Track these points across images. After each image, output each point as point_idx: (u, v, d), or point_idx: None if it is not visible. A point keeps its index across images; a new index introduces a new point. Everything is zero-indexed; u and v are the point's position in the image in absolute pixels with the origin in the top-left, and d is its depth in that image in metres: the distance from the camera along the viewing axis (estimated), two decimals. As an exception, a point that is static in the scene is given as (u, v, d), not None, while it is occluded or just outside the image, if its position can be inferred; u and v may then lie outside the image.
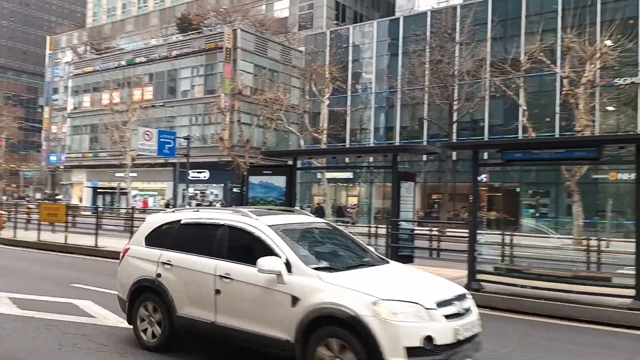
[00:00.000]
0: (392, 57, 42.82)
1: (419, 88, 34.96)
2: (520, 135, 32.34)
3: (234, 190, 42.67)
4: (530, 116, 28.98)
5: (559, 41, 28.99)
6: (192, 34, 50.51)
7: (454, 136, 33.91)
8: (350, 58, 44.49)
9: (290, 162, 12.94)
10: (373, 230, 17.56)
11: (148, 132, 33.90)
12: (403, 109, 41.22)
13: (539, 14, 34.71)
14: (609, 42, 26.14)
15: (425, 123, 38.41)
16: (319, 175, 37.46)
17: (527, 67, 28.15)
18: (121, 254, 6.85)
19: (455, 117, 31.89)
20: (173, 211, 7.07)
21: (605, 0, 32.63)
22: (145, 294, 6.30)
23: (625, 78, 31.98)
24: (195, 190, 44.93)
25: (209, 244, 5.95)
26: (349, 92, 42.96)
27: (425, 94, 34.33)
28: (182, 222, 6.43)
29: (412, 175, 12.73)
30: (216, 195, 45.21)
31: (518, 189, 37.08)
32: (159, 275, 6.15)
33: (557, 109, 31.79)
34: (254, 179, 13.08)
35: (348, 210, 40.19)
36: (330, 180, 38.88)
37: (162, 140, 34.07)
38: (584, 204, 25.80)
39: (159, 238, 6.48)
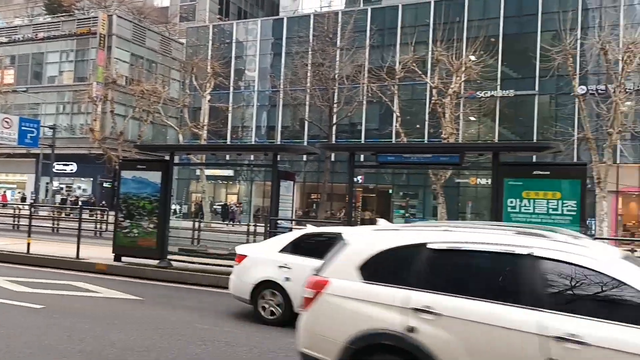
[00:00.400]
0: (276, 56, 43.04)
1: (301, 89, 35.53)
2: (393, 139, 34.08)
3: (105, 185, 40.30)
4: (402, 122, 30.72)
5: (430, 53, 31.00)
6: (62, 16, 46.88)
7: (333, 138, 34.90)
8: (233, 54, 43.98)
9: (167, 158, 12.49)
10: (252, 228, 17.55)
11: (7, 120, 31.04)
12: (285, 108, 41.59)
13: (413, 26, 36.89)
14: (473, 57, 28.52)
15: (306, 124, 39.10)
16: (198, 172, 36.57)
17: (401, 76, 29.78)
18: (312, 291, 4.61)
19: (334, 120, 32.85)
20: (397, 229, 4.93)
21: (471, 18, 35.46)
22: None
23: (486, 91, 35.03)
24: (60, 184, 41.75)
25: (505, 284, 4.14)
26: (231, 89, 42.44)
27: (307, 95, 34.99)
28: (430, 246, 4.36)
29: (291, 174, 12.91)
30: (84, 190, 42.38)
31: (390, 191, 39.10)
32: (411, 329, 4.10)
33: (427, 117, 33.95)
34: (126, 174, 12.46)
35: (233, 209, 39.71)
36: (209, 177, 38.13)
37: (23, 128, 31.37)
38: (447, 206, 27.98)
39: (388, 270, 4.44)
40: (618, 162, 31.61)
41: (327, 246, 6.54)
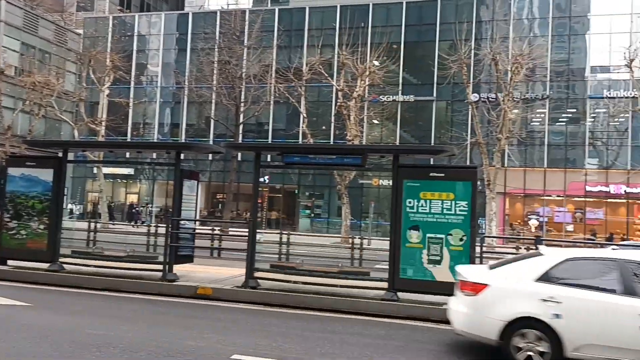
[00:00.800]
0: (180, 52, 41.93)
1: (206, 86, 34.84)
2: (300, 140, 34.40)
3: (-11, 183, 37.09)
4: (309, 123, 31.11)
5: (336, 56, 31.63)
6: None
7: (240, 137, 34.57)
8: (135, 48, 42.26)
9: (60, 154, 11.76)
10: (153, 229, 16.95)
11: None
12: (190, 106, 40.61)
13: (320, 29, 37.46)
14: (376, 63, 29.48)
15: (212, 122, 38.42)
16: (95, 170, 34.73)
17: (308, 77, 30.16)
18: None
19: (241, 119, 32.55)
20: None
21: (375, 24, 36.63)
22: None
23: (388, 96, 36.32)
24: None
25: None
26: (132, 84, 40.75)
27: (213, 93, 34.37)
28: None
29: (195, 173, 12.64)
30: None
31: (297, 191, 39.42)
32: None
33: (333, 119, 34.60)
34: (14, 171, 11.58)
35: (138, 209, 38.07)
36: (107, 175, 36.36)
37: None
38: (351, 206, 28.72)
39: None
40: (506, 165, 34.06)
41: (599, 273, 6.38)
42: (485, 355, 6.69)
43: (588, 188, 34.23)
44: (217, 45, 34.47)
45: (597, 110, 35.42)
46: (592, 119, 35.46)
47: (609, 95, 34.07)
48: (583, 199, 34.67)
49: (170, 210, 11.37)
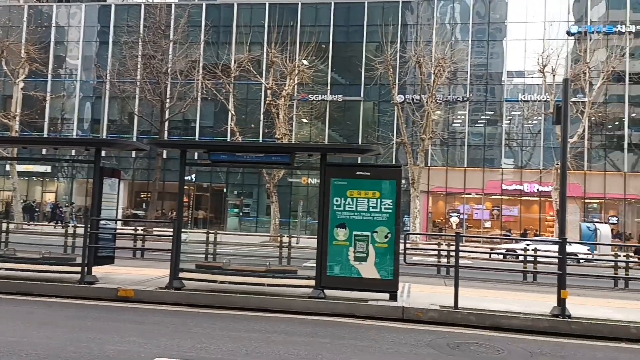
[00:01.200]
0: (102, 45, 40.27)
1: (130, 81, 33.62)
2: (228, 138, 33.97)
3: None
4: (238, 121, 30.82)
5: (265, 54, 31.50)
6: None
7: (166, 134, 33.65)
8: (52, 39, 40.16)
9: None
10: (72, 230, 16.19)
11: None
12: (112, 101, 39.10)
13: (249, 26, 37.16)
14: (305, 62, 29.64)
15: (136, 118, 37.16)
16: (8, 167, 32.65)
17: (236, 75, 29.84)
18: None
19: (167, 115, 31.69)
20: None
21: (304, 23, 36.81)
22: None
23: (317, 95, 36.62)
24: None
25: None
26: (49, 77, 38.67)
27: (137, 88, 33.23)
28: None
29: (117, 171, 12.17)
30: None
31: (225, 189, 38.91)
32: None
33: (262, 117, 34.44)
34: None
35: (61, 209, 36.09)
36: (22, 173, 34.32)
37: None
38: (280, 205, 28.71)
39: None
40: (429, 165, 35.28)
41: None
42: (410, 347, 6.90)
43: (504, 187, 36.11)
44: (141, 39, 33.36)
45: (512, 113, 37.43)
46: (508, 121, 37.44)
47: (523, 99, 36.07)
48: (500, 197, 36.53)
49: (90, 209, 10.89)
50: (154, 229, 25.68)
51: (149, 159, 36.89)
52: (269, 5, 38.34)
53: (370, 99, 37.68)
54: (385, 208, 9.38)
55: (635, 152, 36.08)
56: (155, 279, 10.77)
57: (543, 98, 33.83)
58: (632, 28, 35.90)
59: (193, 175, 35.25)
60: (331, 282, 9.39)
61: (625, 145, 35.92)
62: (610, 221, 34.73)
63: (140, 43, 33.18)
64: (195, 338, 7.00)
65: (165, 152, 32.35)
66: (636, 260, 19.34)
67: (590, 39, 34.40)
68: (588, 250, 22.93)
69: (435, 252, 18.31)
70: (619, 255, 16.75)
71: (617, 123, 36.69)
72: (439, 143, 35.79)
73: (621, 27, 35.84)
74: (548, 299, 9.47)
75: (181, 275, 9.80)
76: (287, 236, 16.71)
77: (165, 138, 33.08)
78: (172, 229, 10.15)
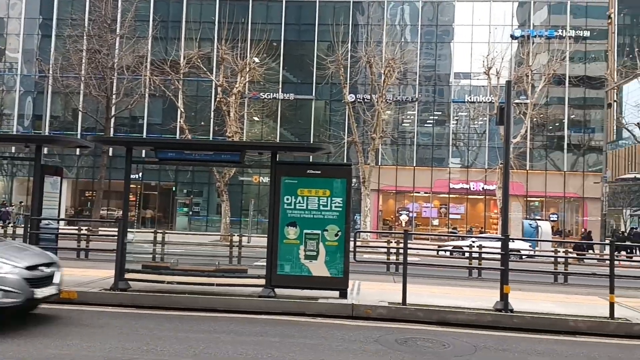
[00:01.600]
0: (44, 38, 38.74)
1: (74, 76, 32.46)
2: (178, 135, 33.37)
3: None
4: (187, 118, 30.30)
5: (215, 51, 31.09)
6: None
7: (112, 131, 32.68)
8: (-10, 31, 38.30)
9: None
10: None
11: None
12: (55, 96, 37.66)
13: (198, 21, 36.53)
14: (256, 59, 29.44)
15: (80, 115, 35.93)
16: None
17: (185, 71, 29.32)
18: None
19: (113, 112, 30.79)
20: None
21: (255, 20, 36.52)
22: None
23: (268, 93, 36.44)
24: None
25: None
26: (-14, 70, 36.89)
27: (82, 83, 32.13)
28: None
29: (59, 169, 11.73)
30: None
31: (174, 188, 38.18)
32: None
33: (212, 114, 33.98)
34: None
35: (7, 209, 34.32)
36: (-45, 171, 32.59)
37: None
38: (231, 203, 28.43)
39: None
40: (380, 164, 35.76)
41: None
42: (359, 344, 6.97)
43: (451, 185, 37.05)
44: (86, 32, 32.25)
45: (459, 114, 38.46)
46: (455, 122, 38.44)
47: (470, 100, 37.09)
48: (447, 195, 37.45)
49: (30, 208, 10.47)
50: (99, 228, 24.92)
51: (94, 156, 35.77)
52: (219, 1, 37.89)
53: (322, 97, 37.82)
54: (335, 206, 9.43)
55: (575, 153, 37.75)
56: (100, 280, 10.44)
57: (488, 99, 34.89)
58: (572, 33, 37.53)
59: (140, 174, 34.43)
60: (282, 281, 9.37)
61: (565, 146, 37.53)
62: (551, 218, 36.23)
63: (85, 37, 32.07)
64: (141, 340, 6.83)
65: (111, 149, 31.43)
66: (575, 256, 20.25)
67: (532, 43, 35.75)
68: (530, 246, 23.81)
69: (385, 250, 18.57)
70: (559, 252, 17.47)
71: (557, 124, 38.27)
72: (389, 142, 36.32)
73: (562, 32, 37.40)
74: (492, 294, 9.77)
75: (127, 276, 9.54)
76: (238, 235, 16.57)
77: (111, 135, 32.11)
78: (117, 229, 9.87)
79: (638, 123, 28.81)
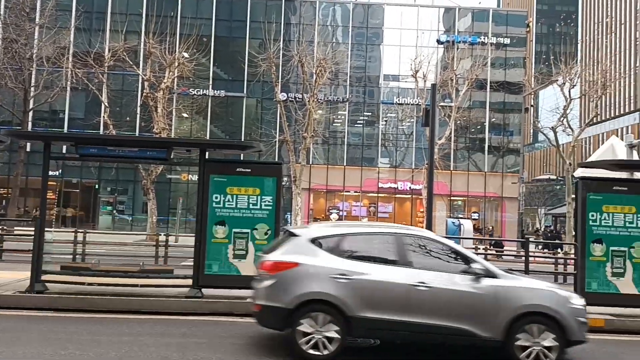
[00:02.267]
0: (-47, 24, 35.93)
1: (-13, 66, 30.37)
2: (101, 131, 32.07)
3: None
4: (112, 113, 29.11)
5: (142, 44, 30.11)
6: None
7: (29, 125, 30.88)
8: None
9: None
10: None
11: None
12: (-35, 87, 35.07)
13: (124, 13, 35.21)
14: (186, 54, 28.77)
15: (-6, 107, 33.69)
16: None
17: (110, 64, 28.18)
18: None
19: (31, 105, 29.09)
20: None
21: (184, 15, 35.71)
22: None
23: (198, 89, 35.73)
24: None
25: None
26: None
27: (-4, 74, 30.10)
28: None
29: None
30: None
31: (97, 186, 36.65)
32: None
33: (138, 110, 32.90)
34: None
35: None
36: None
37: None
38: (158, 202, 27.62)
39: None
40: (311, 163, 35.99)
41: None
42: (286, 343, 6.99)
43: (380, 185, 37.90)
44: (2, 20, 30.27)
45: (388, 115, 39.38)
46: (385, 123, 39.34)
47: (398, 102, 38.05)
48: (376, 194, 38.27)
49: None
50: (15, 228, 23.50)
51: (10, 152, 33.66)
52: (147, -6, 36.71)
53: (254, 95, 37.55)
54: (265, 205, 9.40)
55: (495, 154, 39.64)
56: (14, 282, 9.87)
57: (415, 102, 35.94)
58: (494, 40, 39.36)
59: (60, 171, 32.79)
60: (209, 281, 9.23)
61: (486, 148, 39.33)
62: (473, 217, 37.86)
63: (0, 25, 30.08)
64: (59, 344, 6.53)
65: (28, 145, 29.70)
66: (494, 252, 21.27)
67: (457, 48, 37.16)
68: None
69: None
70: (479, 248, 18.30)
71: (479, 127, 40.04)
72: (321, 142, 36.61)
73: (484, 39, 39.14)
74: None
75: (44, 277, 9.09)
76: (164, 234, 16.15)
77: (29, 129, 30.36)
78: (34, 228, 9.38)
79: (553, 127, 30.60)
